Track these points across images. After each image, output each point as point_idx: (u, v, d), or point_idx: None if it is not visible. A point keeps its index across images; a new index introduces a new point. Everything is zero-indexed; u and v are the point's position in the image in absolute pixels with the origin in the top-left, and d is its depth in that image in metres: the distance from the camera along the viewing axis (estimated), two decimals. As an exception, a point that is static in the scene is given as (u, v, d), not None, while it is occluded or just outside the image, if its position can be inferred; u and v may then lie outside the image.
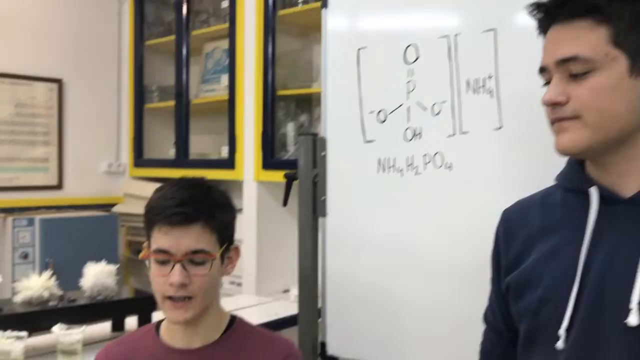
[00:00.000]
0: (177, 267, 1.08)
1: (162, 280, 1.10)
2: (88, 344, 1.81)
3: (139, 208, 3.54)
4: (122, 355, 1.21)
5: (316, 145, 1.61)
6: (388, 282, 1.58)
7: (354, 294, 1.62)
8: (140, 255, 1.15)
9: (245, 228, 2.94)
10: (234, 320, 1.23)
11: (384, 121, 1.57)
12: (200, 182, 1.18)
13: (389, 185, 1.56)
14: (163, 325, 1.22)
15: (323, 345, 1.64)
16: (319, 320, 1.66)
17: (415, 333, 1.55)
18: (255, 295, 2.81)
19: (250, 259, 2.92)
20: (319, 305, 1.65)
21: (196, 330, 1.16)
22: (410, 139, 1.54)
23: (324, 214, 1.63)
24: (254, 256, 2.92)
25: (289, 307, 2.48)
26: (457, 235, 1.49)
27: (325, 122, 1.63)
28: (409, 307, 1.56)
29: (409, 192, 1.54)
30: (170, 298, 1.10)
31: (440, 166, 1.50)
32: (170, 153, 3.43)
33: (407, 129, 1.54)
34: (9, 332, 1.63)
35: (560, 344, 0.89)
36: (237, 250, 1.21)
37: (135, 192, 3.51)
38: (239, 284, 2.97)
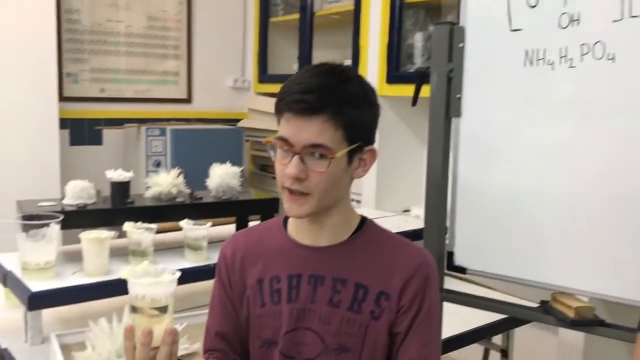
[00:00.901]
0: (295, 159, 1.00)
1: (281, 169, 1.04)
2: (213, 242, 1.85)
3: (262, 123, 3.58)
4: (248, 246, 1.18)
5: (453, 35, 1.45)
6: (528, 193, 1.42)
7: (487, 203, 1.48)
8: (265, 140, 1.10)
9: (368, 144, 2.84)
10: (364, 222, 1.16)
11: (534, 6, 1.37)
12: (339, 70, 1.05)
13: (537, 80, 1.37)
14: (290, 221, 1.17)
15: (450, 255, 1.53)
16: (447, 228, 1.55)
17: (555, 252, 1.39)
18: (375, 210, 2.75)
19: (370, 177, 2.84)
20: (448, 213, 1.54)
21: (322, 227, 1.10)
22: (566, 26, 1.32)
23: (458, 114, 1.48)
24: (374, 174, 2.84)
25: (411, 222, 2.39)
26: (617, 140, 1.28)
27: (464, 9, 1.45)
28: (551, 222, 1.39)
29: (561, 88, 1.34)
30: (288, 190, 1.04)
31: (601, 58, 1.28)
32: (294, 68, 3.38)
33: (562, 14, 1.33)
34: (139, 224, 1.68)
35: None
36: (372, 152, 1.09)
37: (259, 108, 3.52)
38: (358, 201, 2.91)
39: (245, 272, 1.16)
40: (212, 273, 1.23)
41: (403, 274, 1.08)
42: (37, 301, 1.42)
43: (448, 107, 1.46)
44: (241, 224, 2.01)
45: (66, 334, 1.50)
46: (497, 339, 2.10)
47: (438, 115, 1.46)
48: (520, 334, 2.10)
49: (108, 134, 3.35)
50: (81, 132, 3.27)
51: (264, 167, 3.75)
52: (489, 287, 2.07)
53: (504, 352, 2.03)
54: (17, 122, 2.82)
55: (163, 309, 0.95)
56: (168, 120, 3.39)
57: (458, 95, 1.46)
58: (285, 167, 1.02)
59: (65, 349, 1.46)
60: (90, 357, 1.33)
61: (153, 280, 0.94)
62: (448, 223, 1.53)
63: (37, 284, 1.47)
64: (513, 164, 1.42)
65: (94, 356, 1.33)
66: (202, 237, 1.73)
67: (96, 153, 3.29)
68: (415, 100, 1.52)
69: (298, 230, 1.14)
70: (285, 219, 1.20)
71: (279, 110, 1.04)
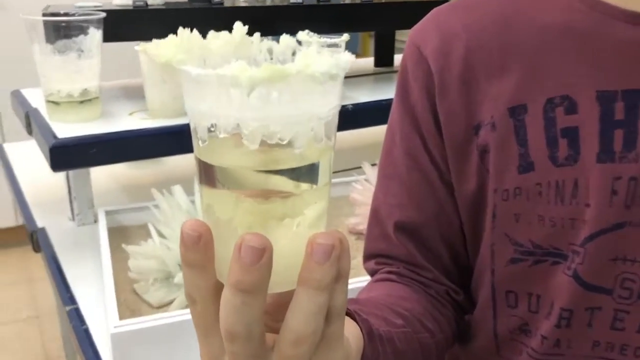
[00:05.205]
0: None
1: None
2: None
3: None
4: (481, 28, 0.51)
5: None
6: None
7: None
8: None
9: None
10: None
11: None
12: None
13: None
14: None
15: None
16: None
17: None
18: None
19: None
20: None
21: None
22: None
23: None
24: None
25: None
26: None
27: None
28: None
29: None
30: None
31: None
32: None
33: None
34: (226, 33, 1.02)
35: None
36: None
37: None
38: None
39: (476, 88, 0.50)
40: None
41: None
42: (64, 154, 0.82)
43: None
44: (384, 46, 1.30)
45: (123, 211, 0.92)
46: None
47: None
48: None
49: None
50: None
51: None
52: None
53: None
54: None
55: (305, 175, 0.30)
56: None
57: None
58: None
59: (120, 233, 0.89)
60: (151, 252, 0.74)
61: (269, 67, 0.26)
62: None
63: (67, 128, 0.87)
64: None
65: (161, 251, 0.74)
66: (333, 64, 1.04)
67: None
68: None
69: None
70: None
71: None
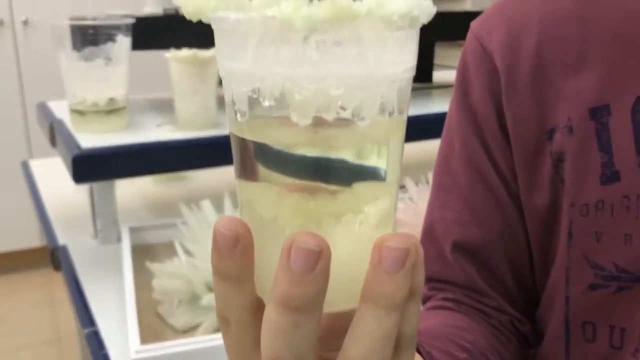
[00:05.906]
0: None
1: None
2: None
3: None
4: (558, 14, 0.44)
5: None
6: None
7: None
8: None
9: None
10: None
11: None
12: None
13: None
14: None
15: None
16: None
17: None
18: None
19: None
20: None
21: None
22: None
23: None
24: None
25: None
26: None
27: None
28: None
29: None
30: None
31: None
32: None
33: None
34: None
35: None
36: None
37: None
38: None
39: (550, 87, 0.43)
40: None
41: None
42: (88, 165, 0.78)
43: None
44: (422, 61, 1.24)
45: (148, 228, 0.87)
46: None
47: None
48: None
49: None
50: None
51: None
52: None
53: None
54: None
55: (370, 161, 0.23)
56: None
57: None
58: None
59: (144, 251, 0.83)
60: (176, 271, 0.68)
61: (331, 4, 0.20)
62: None
63: (91, 138, 0.82)
64: None
65: (187, 269, 0.67)
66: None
67: None
68: None
69: None
70: None
71: None
